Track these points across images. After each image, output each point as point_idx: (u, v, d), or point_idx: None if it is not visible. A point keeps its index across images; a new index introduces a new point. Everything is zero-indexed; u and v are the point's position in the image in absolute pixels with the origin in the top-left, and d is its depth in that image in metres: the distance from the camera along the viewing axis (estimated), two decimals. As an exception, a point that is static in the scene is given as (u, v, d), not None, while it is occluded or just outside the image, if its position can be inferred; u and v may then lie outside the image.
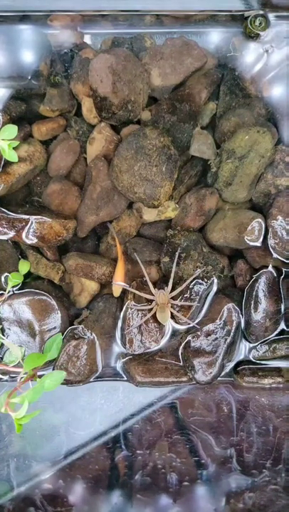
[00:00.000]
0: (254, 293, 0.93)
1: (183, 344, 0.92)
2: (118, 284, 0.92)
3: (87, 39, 0.98)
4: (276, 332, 0.94)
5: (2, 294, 0.92)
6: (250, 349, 0.95)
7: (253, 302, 0.93)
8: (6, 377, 0.93)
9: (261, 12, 0.95)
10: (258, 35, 0.96)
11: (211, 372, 0.90)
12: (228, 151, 0.92)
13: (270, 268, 0.94)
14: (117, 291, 0.93)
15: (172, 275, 0.90)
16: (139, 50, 0.96)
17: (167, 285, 0.90)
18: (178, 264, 0.92)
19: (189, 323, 0.91)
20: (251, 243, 0.92)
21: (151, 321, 0.91)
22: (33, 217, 0.88)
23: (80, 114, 0.96)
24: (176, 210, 0.95)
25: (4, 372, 0.92)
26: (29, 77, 0.94)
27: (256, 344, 0.94)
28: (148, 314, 0.90)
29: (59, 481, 0.85)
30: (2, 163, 0.90)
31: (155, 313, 0.90)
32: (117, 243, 0.94)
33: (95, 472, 0.87)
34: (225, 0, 0.95)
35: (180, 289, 0.90)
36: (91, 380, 0.93)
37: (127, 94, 0.91)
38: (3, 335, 0.91)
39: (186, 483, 0.84)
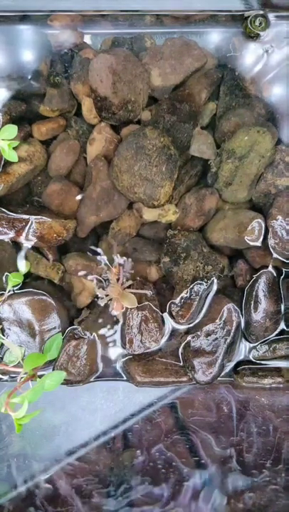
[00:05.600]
0: (254, 293, 0.93)
1: (183, 344, 0.92)
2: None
3: (87, 39, 0.98)
4: (276, 332, 0.94)
5: (2, 293, 0.92)
6: (250, 349, 0.95)
7: (253, 302, 0.93)
8: (6, 377, 0.93)
9: (261, 12, 0.95)
10: (258, 35, 0.96)
11: (211, 372, 0.90)
12: (228, 151, 0.92)
13: (270, 268, 0.94)
14: (118, 308, 0.91)
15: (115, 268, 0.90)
16: (139, 50, 0.96)
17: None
18: (178, 264, 0.92)
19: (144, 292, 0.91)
20: (251, 243, 0.92)
21: (151, 321, 0.91)
22: (33, 217, 0.88)
23: (80, 114, 0.96)
24: (177, 213, 0.95)
25: (4, 372, 0.92)
26: (29, 77, 0.94)
27: (256, 344, 0.94)
28: (113, 305, 0.90)
29: (59, 481, 0.85)
30: (2, 163, 0.90)
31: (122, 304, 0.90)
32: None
33: (95, 472, 0.87)
34: (225, 0, 0.95)
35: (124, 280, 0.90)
36: (91, 380, 0.93)
37: (127, 94, 0.91)
38: (3, 335, 0.91)
39: (186, 483, 0.84)
